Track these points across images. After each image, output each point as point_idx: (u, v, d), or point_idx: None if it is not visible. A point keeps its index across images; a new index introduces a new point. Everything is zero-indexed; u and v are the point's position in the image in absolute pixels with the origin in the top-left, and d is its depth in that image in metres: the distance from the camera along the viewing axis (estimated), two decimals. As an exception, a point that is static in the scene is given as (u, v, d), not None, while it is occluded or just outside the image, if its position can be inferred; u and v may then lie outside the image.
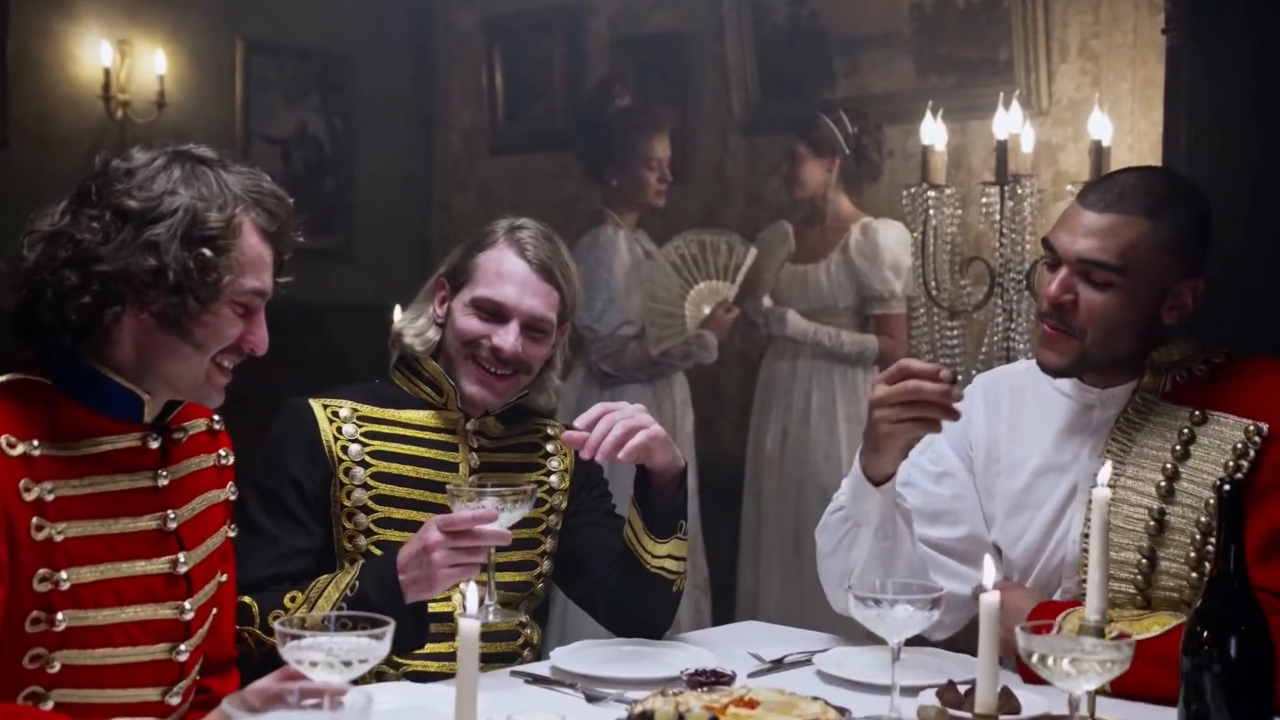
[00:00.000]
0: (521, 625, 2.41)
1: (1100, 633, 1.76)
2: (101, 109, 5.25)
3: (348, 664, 1.54)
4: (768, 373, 4.53)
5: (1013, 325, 3.85)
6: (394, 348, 2.46)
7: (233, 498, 2.08)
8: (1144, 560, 2.18)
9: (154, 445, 1.90)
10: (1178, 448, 2.19)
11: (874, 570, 2.27)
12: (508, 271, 2.36)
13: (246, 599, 2.22)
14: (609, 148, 4.39)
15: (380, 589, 2.13)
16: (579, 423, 2.22)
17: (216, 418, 2.06)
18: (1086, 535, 2.22)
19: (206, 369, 1.86)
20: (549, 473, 2.48)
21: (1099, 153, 3.81)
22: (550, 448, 2.51)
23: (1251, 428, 2.15)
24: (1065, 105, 4.46)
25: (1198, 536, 2.15)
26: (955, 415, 2.15)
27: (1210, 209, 2.28)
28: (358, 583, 2.17)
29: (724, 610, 4.48)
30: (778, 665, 2.23)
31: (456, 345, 2.37)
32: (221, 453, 2.05)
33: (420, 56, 6.17)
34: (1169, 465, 2.18)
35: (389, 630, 1.56)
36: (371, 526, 2.32)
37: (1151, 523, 2.18)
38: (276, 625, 1.55)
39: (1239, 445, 2.15)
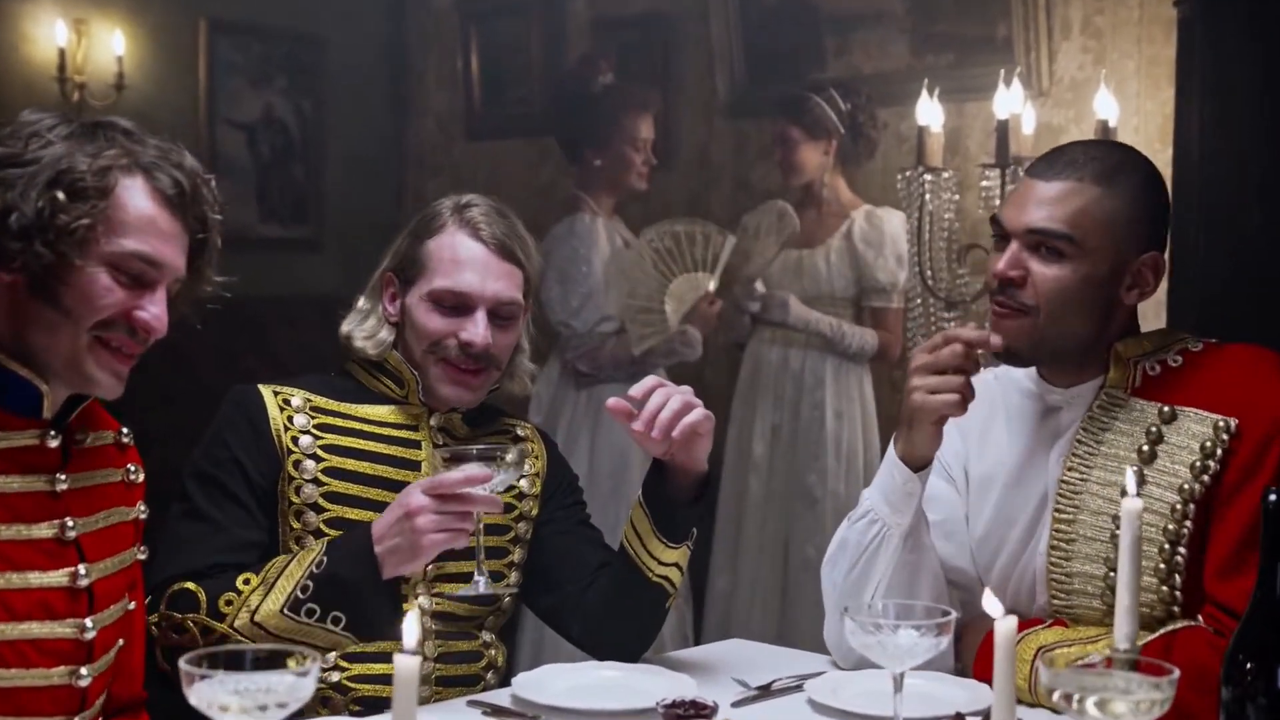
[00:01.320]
0: (485, 645, 2.19)
1: (1133, 665, 1.55)
2: (56, 92, 4.98)
3: (263, 708, 1.32)
4: (754, 363, 4.28)
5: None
6: (345, 352, 2.25)
7: (143, 517, 1.87)
8: (1111, 573, 1.97)
9: (53, 444, 1.69)
10: (1144, 448, 1.99)
11: (897, 591, 2.06)
12: (465, 257, 2.14)
13: (190, 585, 2.00)
14: (593, 125, 4.13)
15: (353, 563, 1.94)
16: (634, 392, 2.02)
17: (125, 430, 1.86)
18: (1054, 547, 2.03)
19: (86, 344, 1.65)
20: (519, 476, 2.25)
21: (1105, 134, 3.60)
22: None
23: (1220, 423, 1.95)
24: (1067, 85, 4.25)
25: (1166, 546, 1.94)
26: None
27: (1164, 183, 2.11)
28: (325, 559, 1.97)
29: (696, 619, 4.27)
30: (765, 692, 2.01)
31: (420, 347, 2.16)
32: (130, 468, 1.84)
33: (393, 38, 5.93)
34: (1134, 468, 1.96)
35: (313, 668, 1.34)
36: (322, 527, 2.10)
37: (1117, 532, 1.93)
38: (181, 664, 1.33)
39: (1207, 444, 1.95)
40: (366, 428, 2.17)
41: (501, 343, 2.16)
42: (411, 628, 1.29)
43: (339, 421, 2.16)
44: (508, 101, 5.61)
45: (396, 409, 2.20)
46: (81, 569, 1.70)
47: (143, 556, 1.87)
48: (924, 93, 3.65)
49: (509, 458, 1.96)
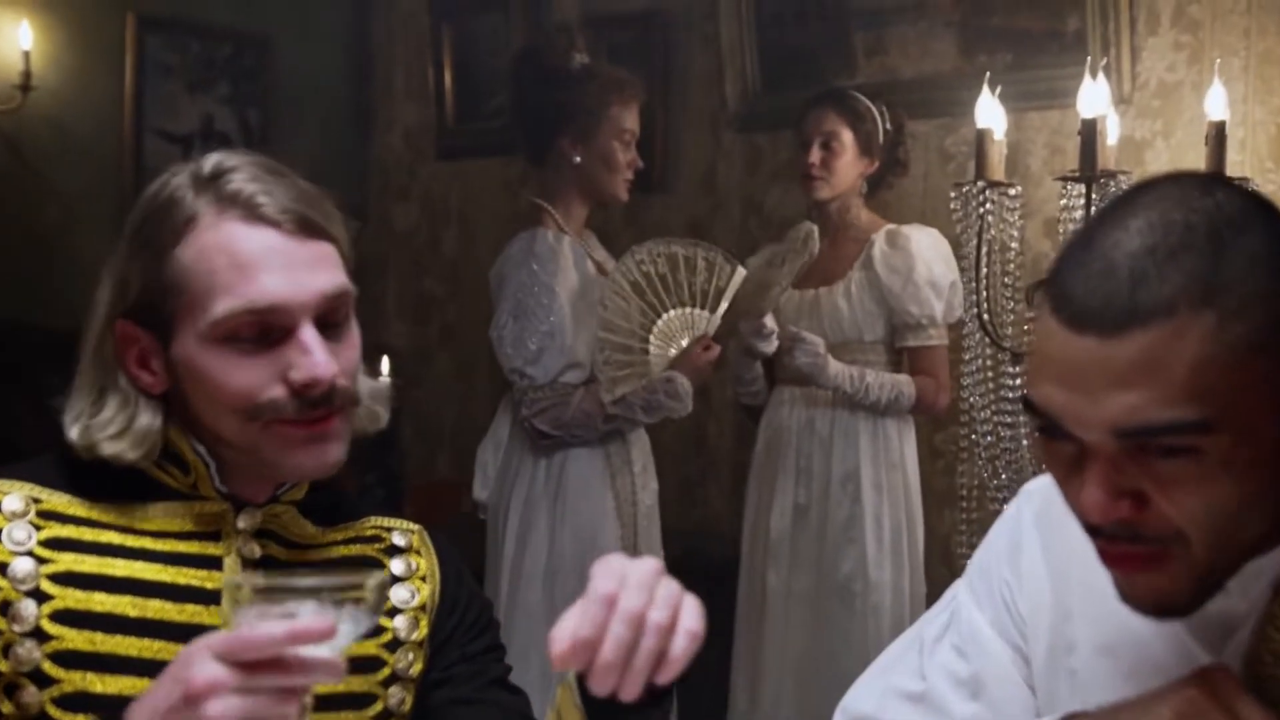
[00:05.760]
0: None
1: None
2: (-52, 92, 4.29)
3: None
4: (772, 431, 3.47)
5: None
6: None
7: None
8: None
9: None
10: None
11: None
12: (250, 252, 1.31)
13: None
14: (570, 113, 3.22)
15: None
16: (566, 630, 1.11)
17: None
18: None
19: None
20: (393, 611, 1.45)
21: (1219, 141, 2.82)
22: (397, 567, 1.48)
23: None
24: (1153, 90, 3.48)
25: None
26: None
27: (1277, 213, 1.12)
28: None
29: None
30: None
31: (230, 418, 1.33)
32: None
33: (354, 40, 5.26)
34: None
35: None
36: (50, 709, 1.28)
37: None
38: None
39: None
40: (131, 540, 1.35)
41: (346, 361, 1.36)
42: None
43: (85, 533, 1.35)
44: (484, 114, 4.92)
45: (181, 507, 1.39)
46: None
47: None
48: (985, 90, 2.89)
49: (366, 592, 1.14)
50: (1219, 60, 3.22)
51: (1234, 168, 3.15)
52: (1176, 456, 1.07)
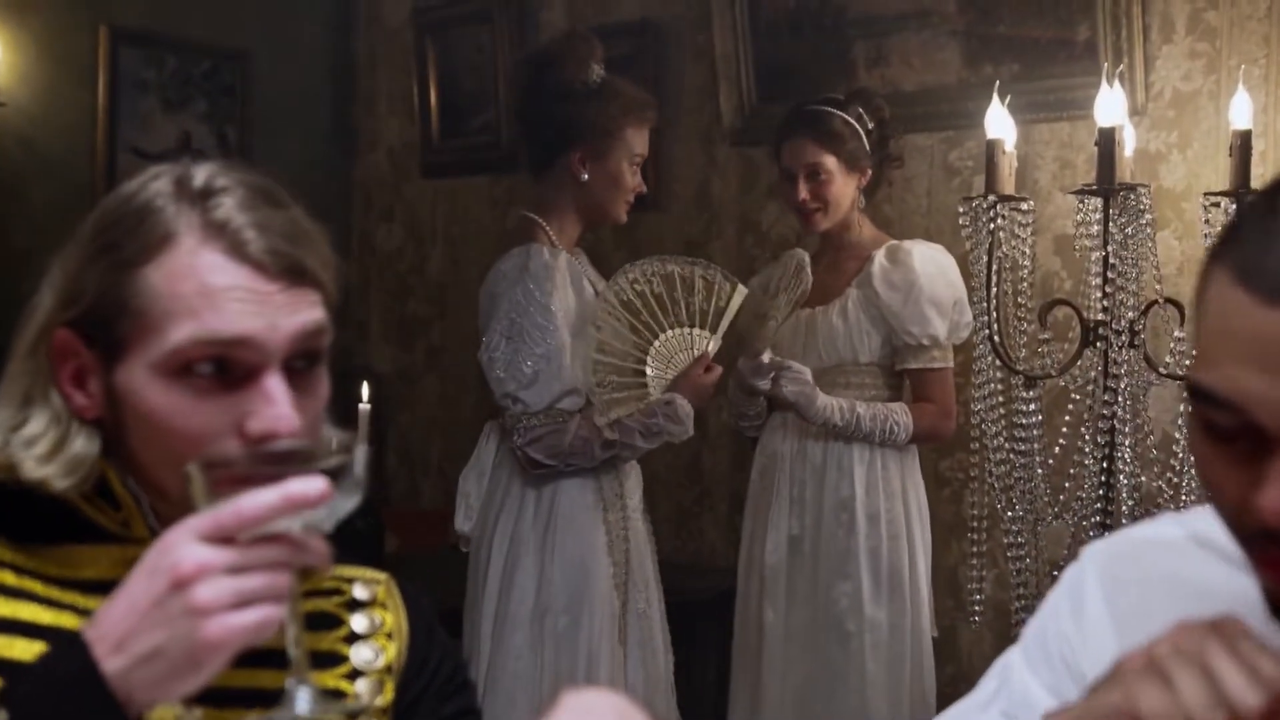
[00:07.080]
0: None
1: None
2: (-86, 107, 4.14)
3: None
4: (767, 454, 3.26)
5: (1117, 402, 2.69)
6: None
7: None
8: None
9: None
10: None
11: None
12: (221, 284, 1.14)
13: None
14: (585, 129, 3.00)
15: (59, 702, 0.99)
16: None
17: None
18: None
19: None
20: (354, 673, 1.28)
21: (1244, 151, 2.68)
22: (359, 624, 1.31)
23: None
24: (1168, 101, 3.33)
25: None
26: None
27: None
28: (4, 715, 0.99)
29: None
30: None
31: (167, 460, 1.15)
32: None
33: (336, 56, 5.11)
34: None
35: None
36: None
37: None
38: None
39: None
40: (57, 592, 1.19)
41: (310, 415, 1.19)
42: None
43: (8, 576, 1.18)
44: (469, 131, 4.78)
45: (115, 552, 1.20)
46: None
47: None
48: (994, 99, 2.74)
49: (356, 462, 1.04)
50: (1231, 73, 3.08)
51: (1253, 181, 3.00)
52: None
